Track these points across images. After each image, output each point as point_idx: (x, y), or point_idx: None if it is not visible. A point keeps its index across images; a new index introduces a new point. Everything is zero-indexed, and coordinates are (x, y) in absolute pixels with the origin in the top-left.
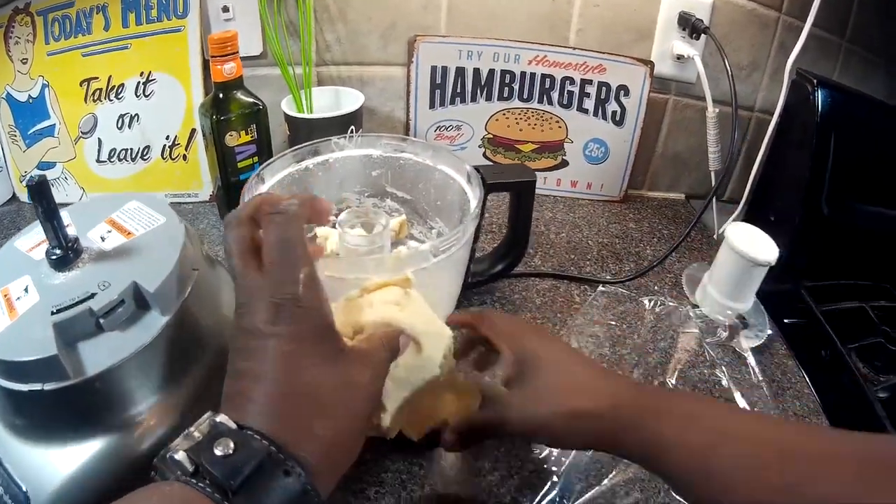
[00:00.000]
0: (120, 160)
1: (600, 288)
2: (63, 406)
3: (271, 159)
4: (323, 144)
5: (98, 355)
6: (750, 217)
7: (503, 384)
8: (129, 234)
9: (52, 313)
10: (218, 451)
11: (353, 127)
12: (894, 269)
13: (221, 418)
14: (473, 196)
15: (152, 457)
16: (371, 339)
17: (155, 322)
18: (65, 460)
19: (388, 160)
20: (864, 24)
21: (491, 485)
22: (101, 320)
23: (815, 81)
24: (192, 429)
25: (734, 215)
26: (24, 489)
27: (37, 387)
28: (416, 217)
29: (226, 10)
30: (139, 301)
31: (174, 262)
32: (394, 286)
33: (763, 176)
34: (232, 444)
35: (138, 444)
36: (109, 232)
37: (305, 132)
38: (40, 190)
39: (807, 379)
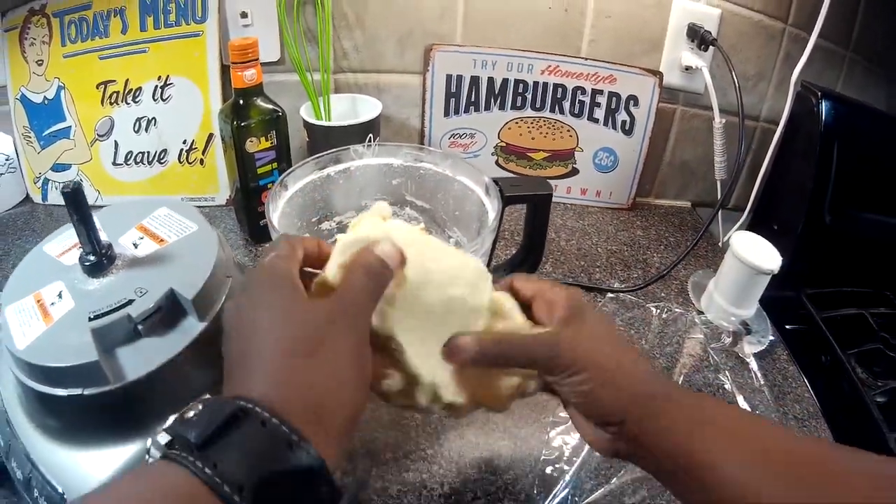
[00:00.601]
0: (136, 163)
1: (609, 294)
2: (101, 410)
3: (293, 167)
4: (343, 153)
5: (136, 361)
6: (754, 225)
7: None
8: (161, 240)
9: (90, 319)
10: (188, 415)
11: (370, 135)
12: (894, 277)
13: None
14: (492, 208)
15: None
16: (343, 268)
17: (192, 328)
18: (102, 463)
19: (408, 169)
20: (867, 35)
21: (507, 482)
22: (140, 326)
23: (819, 94)
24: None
25: (739, 224)
26: (60, 491)
27: (76, 391)
28: (434, 226)
29: (244, 15)
30: (176, 307)
31: (210, 269)
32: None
33: (767, 185)
34: (199, 406)
35: None
36: (142, 238)
37: (324, 139)
38: (75, 197)
39: (807, 384)
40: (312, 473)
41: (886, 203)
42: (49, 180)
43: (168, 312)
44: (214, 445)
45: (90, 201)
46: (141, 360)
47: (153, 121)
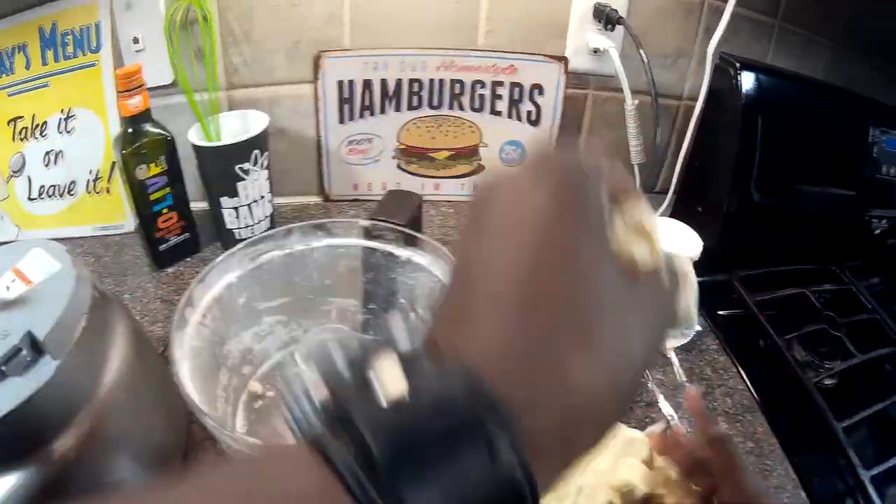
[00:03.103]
0: (49, 196)
1: None
2: None
3: (191, 287)
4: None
5: (2, 400)
6: (679, 208)
7: None
8: (29, 282)
9: None
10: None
11: (257, 152)
12: (838, 252)
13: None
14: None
15: (66, 488)
16: None
17: (48, 366)
18: None
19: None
20: (801, 4)
21: None
22: (3, 367)
23: (737, 65)
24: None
25: (662, 208)
26: None
27: None
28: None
29: (136, 41)
30: (35, 347)
31: (62, 308)
32: None
33: (690, 165)
34: (415, 367)
35: (53, 477)
36: (13, 281)
37: (211, 161)
38: None
39: (742, 374)
40: None
41: (820, 174)
42: None
43: (28, 353)
44: (411, 471)
45: (11, 237)
46: (6, 398)
47: (60, 153)
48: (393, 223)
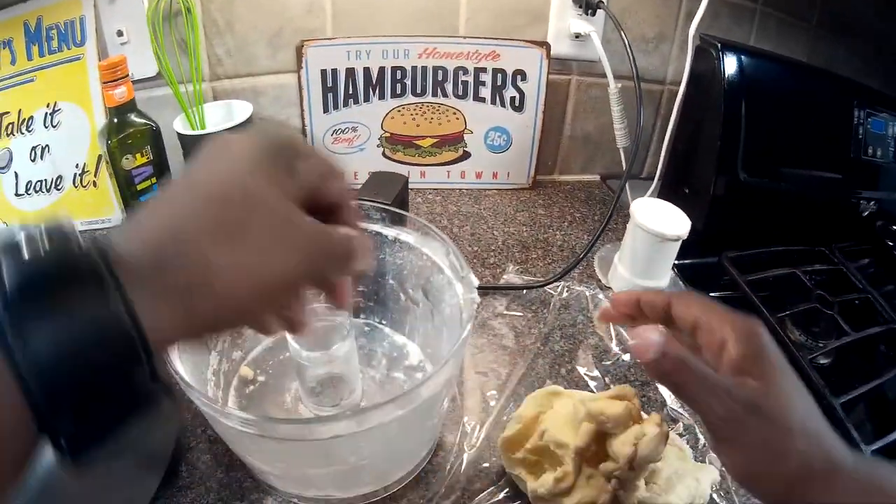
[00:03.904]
0: (36, 192)
1: (504, 278)
2: None
3: None
4: None
5: None
6: (665, 191)
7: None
8: None
9: None
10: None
11: None
12: (827, 233)
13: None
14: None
15: (51, 480)
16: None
17: None
18: None
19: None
20: None
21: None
22: None
23: (718, 46)
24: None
25: (649, 192)
26: None
27: None
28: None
29: (120, 34)
30: None
31: None
32: None
33: (675, 148)
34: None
35: (38, 469)
36: None
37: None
38: None
39: None
40: (129, 345)
41: (806, 155)
42: None
43: None
44: (35, 310)
45: None
46: None
47: (47, 148)
48: (380, 202)
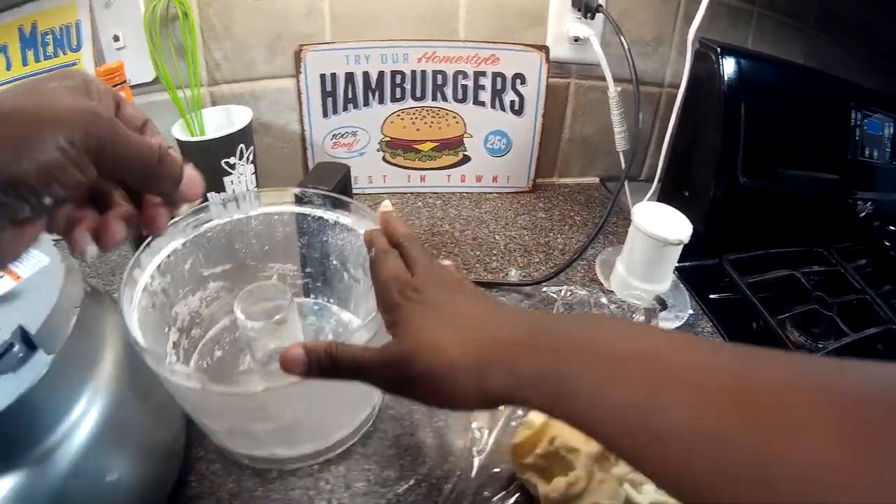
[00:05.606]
0: None
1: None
2: None
3: (142, 245)
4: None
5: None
6: (665, 194)
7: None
8: (17, 277)
9: None
10: None
11: (242, 146)
12: (825, 234)
13: None
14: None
15: (66, 485)
16: None
17: (42, 360)
18: None
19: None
20: None
21: (399, 497)
22: None
23: (718, 49)
24: None
25: (648, 195)
26: None
27: None
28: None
29: (116, 39)
30: (27, 342)
31: (54, 302)
32: None
33: (674, 151)
34: None
35: (52, 476)
36: (1, 277)
37: (196, 155)
38: None
39: None
40: None
41: (804, 157)
42: None
43: (21, 348)
44: None
45: None
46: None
47: None
48: (319, 188)
